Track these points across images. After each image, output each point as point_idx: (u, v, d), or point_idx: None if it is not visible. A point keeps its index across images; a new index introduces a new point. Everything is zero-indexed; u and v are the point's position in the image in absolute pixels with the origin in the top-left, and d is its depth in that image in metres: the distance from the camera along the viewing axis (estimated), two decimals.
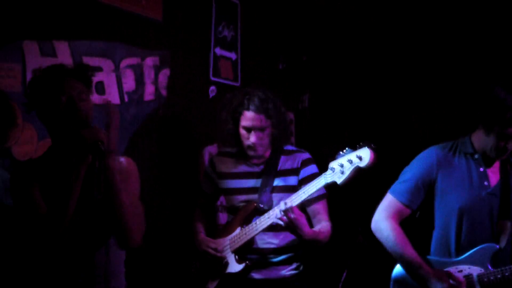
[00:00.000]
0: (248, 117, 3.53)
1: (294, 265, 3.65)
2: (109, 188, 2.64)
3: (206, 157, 4.49)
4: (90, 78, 2.79)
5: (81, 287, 2.70)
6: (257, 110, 3.53)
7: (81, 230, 2.67)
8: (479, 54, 5.02)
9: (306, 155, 3.68)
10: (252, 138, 3.53)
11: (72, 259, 2.69)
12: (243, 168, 3.69)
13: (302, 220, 3.33)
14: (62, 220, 2.57)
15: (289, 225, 3.30)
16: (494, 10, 5.01)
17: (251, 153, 3.59)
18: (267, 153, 3.67)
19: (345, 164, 3.13)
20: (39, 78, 2.69)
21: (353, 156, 3.11)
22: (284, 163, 3.65)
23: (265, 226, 3.42)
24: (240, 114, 3.56)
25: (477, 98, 3.32)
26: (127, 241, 2.74)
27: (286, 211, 3.27)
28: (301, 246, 3.66)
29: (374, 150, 3.10)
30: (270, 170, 3.63)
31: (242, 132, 3.57)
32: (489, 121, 3.22)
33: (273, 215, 3.37)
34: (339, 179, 3.17)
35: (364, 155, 3.08)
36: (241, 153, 3.69)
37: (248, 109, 3.53)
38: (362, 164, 3.08)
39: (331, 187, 3.31)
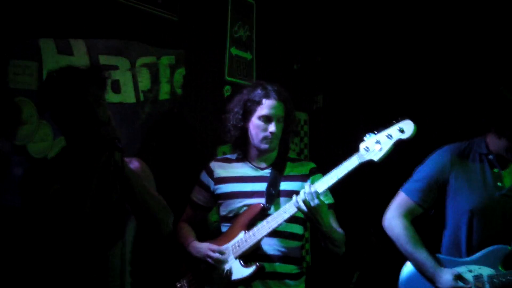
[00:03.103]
0: (269, 105, 3.42)
1: (300, 280, 3.50)
2: (133, 182, 2.67)
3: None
4: (106, 80, 2.81)
5: (97, 283, 2.73)
6: (279, 98, 3.45)
7: (96, 228, 2.69)
8: (494, 55, 5.01)
9: (314, 165, 3.59)
10: (272, 128, 3.40)
11: (88, 256, 2.72)
12: (247, 171, 3.54)
13: (324, 208, 3.18)
14: (79, 219, 2.59)
15: (309, 213, 3.14)
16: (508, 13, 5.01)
17: (265, 146, 3.44)
18: (274, 153, 3.55)
19: (383, 140, 3.03)
20: (54, 81, 2.71)
21: (392, 130, 3.02)
22: (291, 169, 3.54)
23: (280, 222, 3.24)
24: (257, 103, 3.45)
25: (487, 101, 3.33)
26: (160, 229, 2.80)
27: (306, 200, 3.12)
28: (302, 259, 3.57)
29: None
30: (276, 173, 3.49)
31: (258, 123, 3.43)
32: (500, 123, 3.23)
33: (291, 207, 3.21)
34: (377, 156, 3.04)
35: (406, 127, 2.99)
36: (245, 157, 3.59)
37: (268, 97, 3.44)
38: (405, 136, 2.99)
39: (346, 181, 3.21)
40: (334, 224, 3.41)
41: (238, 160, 3.61)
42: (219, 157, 3.79)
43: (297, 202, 3.17)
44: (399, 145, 3.04)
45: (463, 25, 5.22)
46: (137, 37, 3.80)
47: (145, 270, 3.72)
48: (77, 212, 2.58)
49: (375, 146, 3.05)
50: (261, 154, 3.53)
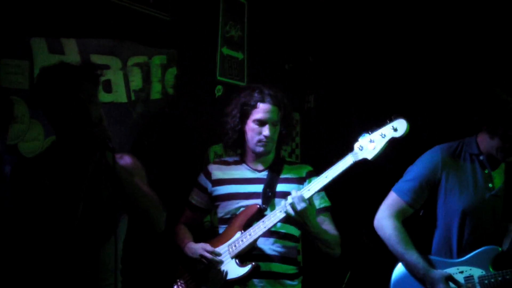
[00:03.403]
0: (263, 109, 3.47)
1: (296, 281, 3.52)
2: (124, 181, 2.67)
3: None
4: (99, 77, 2.79)
5: (89, 281, 2.72)
6: (273, 102, 3.49)
7: (88, 227, 2.69)
8: (485, 55, 5.03)
9: (311, 168, 3.61)
10: (266, 131, 3.45)
11: (79, 254, 2.71)
12: (244, 174, 3.58)
13: (311, 211, 3.21)
14: (71, 218, 2.58)
15: (296, 216, 3.17)
16: (501, 13, 5.03)
17: (259, 149, 3.49)
18: (271, 155, 3.59)
19: (377, 139, 3.06)
20: (47, 77, 2.69)
21: (386, 129, 3.04)
22: (288, 171, 3.58)
23: (275, 222, 3.27)
24: (252, 107, 3.49)
25: (480, 101, 3.34)
26: (153, 226, 2.81)
27: (293, 204, 3.15)
28: (299, 260, 3.57)
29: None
30: (273, 175, 3.53)
31: (253, 126, 3.48)
32: (492, 123, 3.23)
33: (283, 208, 3.23)
34: (371, 155, 3.07)
35: (399, 126, 3.01)
36: (242, 159, 3.63)
37: (263, 101, 3.48)
38: (398, 134, 3.01)
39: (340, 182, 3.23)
40: (328, 226, 3.45)
41: (236, 162, 3.65)
42: (217, 160, 3.85)
43: (285, 206, 3.21)
44: (393, 143, 3.07)
45: (455, 25, 5.24)
46: (128, 36, 3.80)
47: (137, 269, 3.73)
48: (69, 211, 2.58)
49: (369, 145, 3.08)
50: (258, 156, 3.57)
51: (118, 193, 2.67)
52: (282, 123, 3.56)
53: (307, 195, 3.20)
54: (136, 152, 3.74)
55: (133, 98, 3.84)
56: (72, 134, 2.65)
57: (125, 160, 2.91)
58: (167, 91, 4.10)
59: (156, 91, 4.01)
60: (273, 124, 3.48)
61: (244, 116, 3.52)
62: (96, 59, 3.54)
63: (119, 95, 3.74)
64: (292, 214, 3.18)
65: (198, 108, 4.38)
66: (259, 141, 3.48)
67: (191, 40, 4.31)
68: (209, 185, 3.62)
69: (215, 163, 3.72)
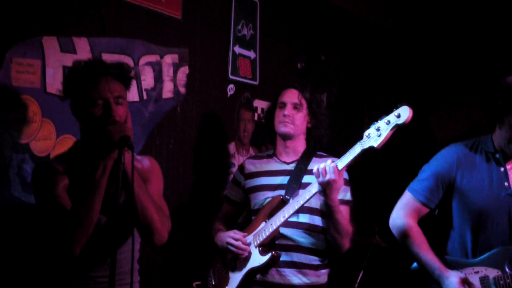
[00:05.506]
0: (285, 93, 3.70)
1: (321, 272, 3.58)
2: (136, 188, 2.62)
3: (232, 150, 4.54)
4: (130, 79, 2.78)
5: (105, 281, 2.70)
6: (293, 86, 3.71)
7: (105, 226, 2.67)
8: (497, 55, 5.00)
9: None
10: (286, 110, 3.61)
11: (97, 255, 2.70)
12: (273, 166, 3.71)
13: (336, 185, 3.25)
14: (91, 217, 2.57)
15: (322, 183, 3.21)
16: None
17: (280, 129, 3.64)
18: (301, 148, 3.68)
19: (382, 126, 3.06)
20: (78, 73, 2.68)
21: (391, 116, 3.04)
22: (316, 163, 3.53)
23: (292, 212, 3.35)
24: (278, 95, 3.73)
25: (488, 93, 3.30)
26: (153, 238, 2.73)
27: (324, 170, 3.20)
28: (327, 252, 3.60)
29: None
30: (300, 168, 3.62)
31: (278, 112, 3.67)
32: (499, 111, 3.19)
33: (303, 197, 3.32)
34: (376, 142, 3.08)
35: (402, 112, 3.00)
36: (274, 153, 3.76)
37: (285, 87, 3.74)
38: (400, 121, 3.00)
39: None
40: (345, 216, 3.48)
41: (268, 156, 3.81)
42: (252, 155, 4.12)
43: (317, 169, 3.25)
44: (398, 130, 3.07)
45: (466, 24, 5.22)
46: (140, 35, 3.80)
47: (154, 269, 3.75)
48: (87, 212, 2.56)
49: (375, 132, 3.10)
50: (287, 148, 3.70)
51: (128, 195, 2.64)
52: (309, 113, 3.68)
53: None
54: (147, 152, 3.76)
55: (145, 97, 3.84)
56: (94, 133, 2.64)
57: (144, 163, 2.90)
58: (179, 90, 4.10)
59: (168, 90, 4.01)
60: (293, 106, 3.64)
61: (273, 109, 3.74)
62: (108, 58, 3.54)
63: (131, 94, 3.73)
64: (320, 179, 3.22)
65: (210, 107, 4.38)
66: (280, 121, 3.64)
67: (203, 39, 4.31)
68: (242, 179, 3.78)
69: (249, 158, 3.93)
